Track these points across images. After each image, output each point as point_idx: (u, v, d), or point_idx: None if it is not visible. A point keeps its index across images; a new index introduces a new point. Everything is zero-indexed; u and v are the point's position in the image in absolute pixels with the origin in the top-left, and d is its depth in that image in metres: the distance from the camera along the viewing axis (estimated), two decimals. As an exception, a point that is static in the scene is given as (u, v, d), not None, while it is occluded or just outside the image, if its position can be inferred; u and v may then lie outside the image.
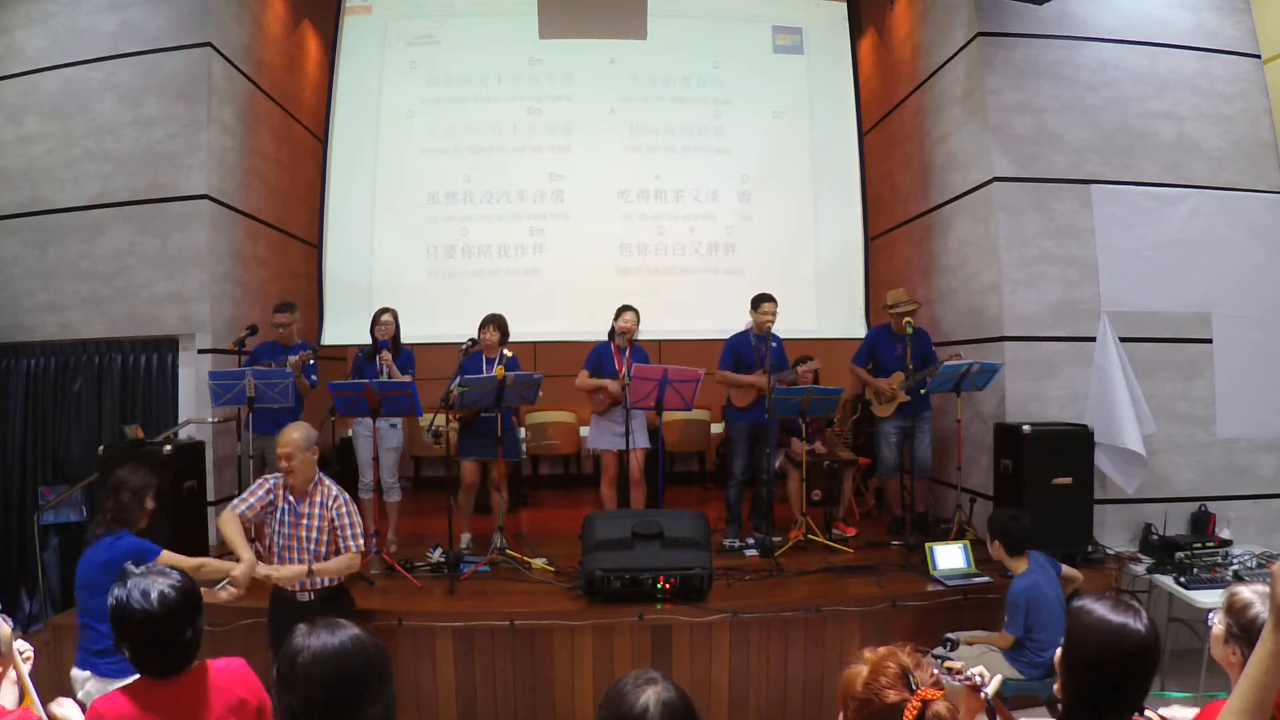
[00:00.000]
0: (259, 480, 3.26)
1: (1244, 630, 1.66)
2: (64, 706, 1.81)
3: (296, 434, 3.18)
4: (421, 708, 3.69)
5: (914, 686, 1.23)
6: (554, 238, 6.16)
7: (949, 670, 1.44)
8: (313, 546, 3.21)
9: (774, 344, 4.99)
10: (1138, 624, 1.55)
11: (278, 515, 3.21)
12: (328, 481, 3.30)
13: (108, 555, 2.92)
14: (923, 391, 4.87)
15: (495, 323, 4.81)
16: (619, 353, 4.86)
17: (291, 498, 3.21)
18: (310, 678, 1.37)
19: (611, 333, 4.94)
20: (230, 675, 1.80)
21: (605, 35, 6.28)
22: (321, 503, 3.23)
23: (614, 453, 4.89)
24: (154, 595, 1.69)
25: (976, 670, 1.57)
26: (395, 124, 6.25)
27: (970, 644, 3.48)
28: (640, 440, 4.82)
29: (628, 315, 4.86)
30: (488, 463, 4.85)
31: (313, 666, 1.38)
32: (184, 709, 1.71)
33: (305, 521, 3.20)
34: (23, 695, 1.74)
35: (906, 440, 5.16)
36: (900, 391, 5.04)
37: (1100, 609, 1.58)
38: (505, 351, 4.82)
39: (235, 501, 3.21)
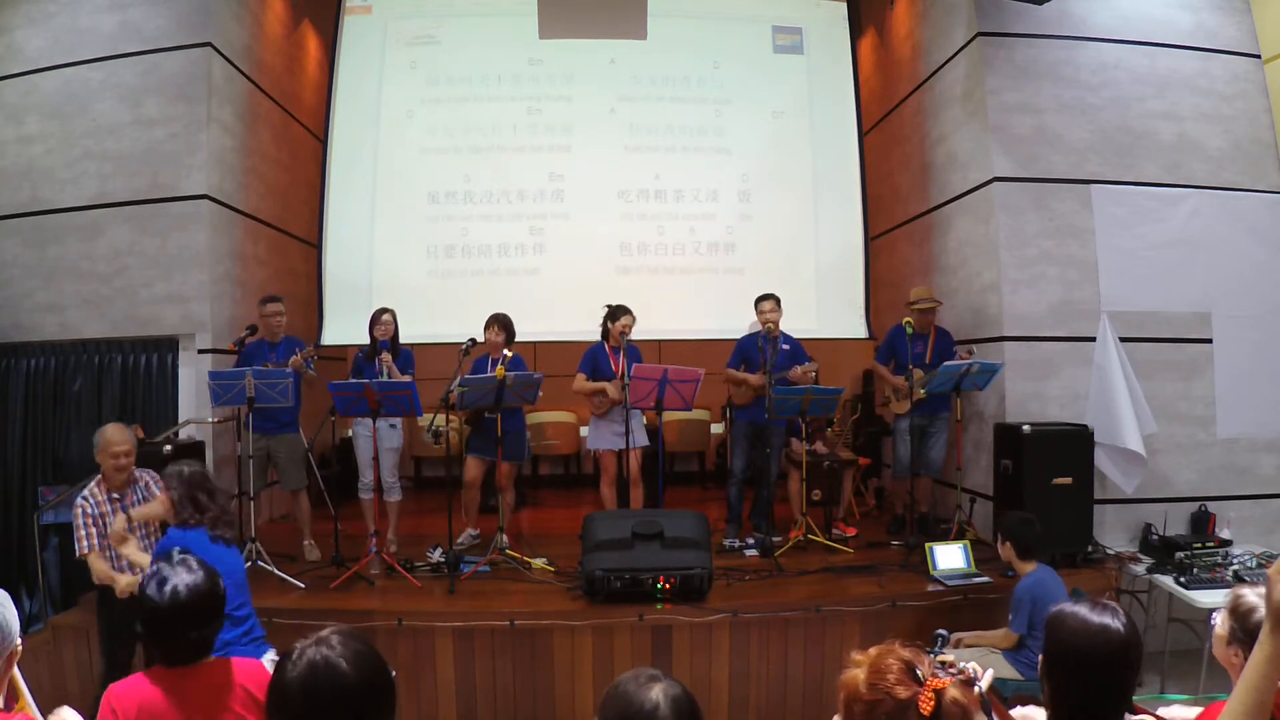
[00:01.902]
0: (76, 512, 3.34)
1: (1248, 634, 1.65)
2: (61, 715, 1.80)
3: (126, 433, 3.42)
4: (421, 708, 3.69)
5: (922, 679, 1.22)
6: (554, 238, 6.16)
7: (941, 664, 1.43)
8: (141, 532, 3.39)
9: (784, 345, 4.98)
10: (1117, 623, 1.55)
11: (106, 520, 3.33)
12: (138, 471, 3.49)
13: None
14: (923, 391, 4.85)
15: (500, 322, 4.81)
16: (614, 353, 4.86)
17: (114, 494, 3.38)
18: (305, 704, 1.32)
19: (605, 333, 4.93)
20: (247, 674, 1.80)
21: (605, 35, 6.28)
22: (141, 489, 3.46)
23: (613, 453, 4.89)
24: (167, 590, 1.74)
25: (969, 664, 1.56)
26: (395, 124, 6.25)
27: (970, 645, 3.48)
28: (638, 439, 4.81)
29: (626, 318, 4.83)
30: (491, 463, 4.86)
31: (308, 691, 1.31)
32: (194, 699, 1.72)
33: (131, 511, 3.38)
34: (17, 696, 1.73)
35: (920, 439, 5.14)
36: (918, 389, 5.02)
37: (1079, 612, 1.57)
38: (506, 352, 4.82)
39: (82, 546, 3.30)
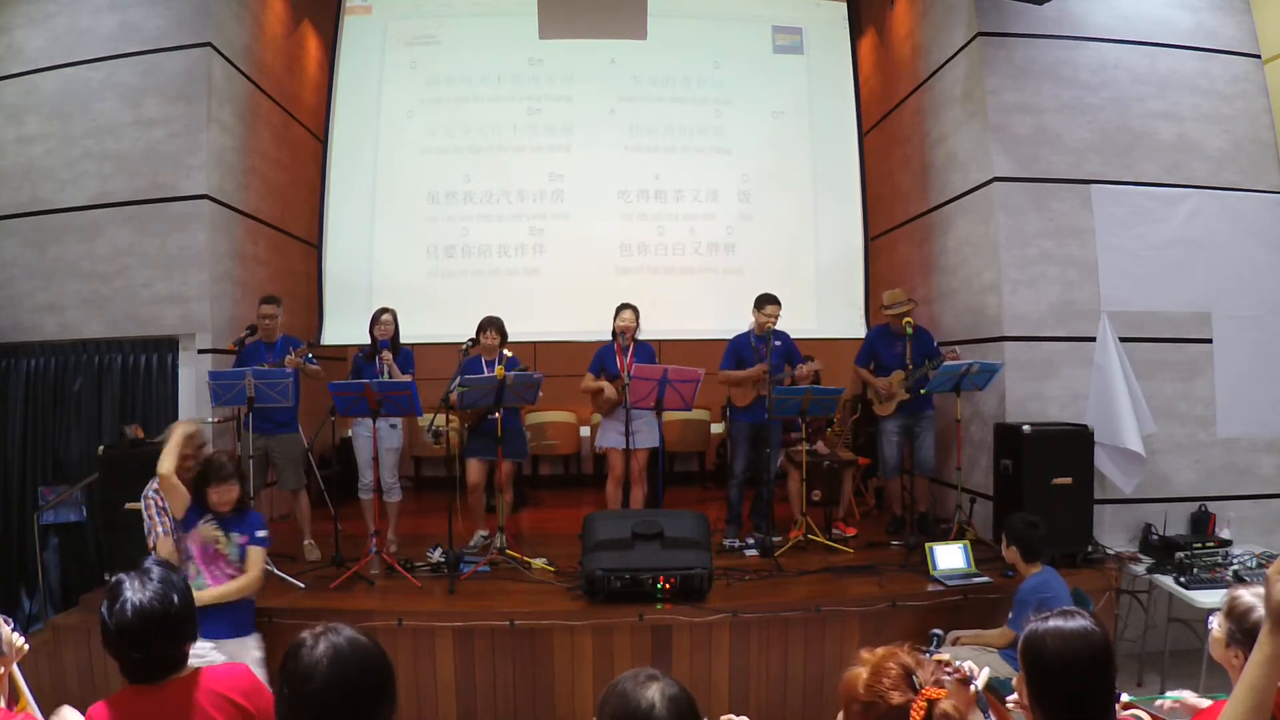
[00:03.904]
0: (147, 503, 3.38)
1: (1246, 634, 1.64)
2: (62, 714, 1.80)
3: (188, 429, 3.37)
4: (421, 708, 3.69)
5: (918, 686, 1.23)
6: (554, 238, 6.16)
7: (937, 663, 1.43)
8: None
9: (777, 343, 4.98)
10: (1089, 622, 1.54)
11: (169, 515, 3.34)
12: None
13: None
14: (922, 391, 4.86)
15: (495, 325, 4.82)
16: (621, 352, 4.87)
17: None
18: (315, 693, 1.34)
19: (615, 333, 4.94)
20: (225, 681, 1.74)
21: (605, 35, 6.27)
22: None
23: (620, 451, 4.88)
24: (116, 608, 1.66)
25: (966, 663, 1.56)
26: (395, 124, 6.25)
27: (968, 643, 3.49)
28: (646, 440, 4.82)
29: (625, 314, 4.87)
30: (492, 463, 4.86)
31: (319, 681, 1.34)
32: (166, 716, 1.67)
33: None
34: (18, 697, 1.74)
35: (908, 439, 5.15)
36: (900, 390, 5.04)
37: (1054, 627, 1.53)
38: (505, 352, 4.82)
39: (158, 534, 3.33)
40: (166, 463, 3.12)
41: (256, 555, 3.21)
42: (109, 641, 1.67)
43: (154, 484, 3.39)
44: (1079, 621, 1.53)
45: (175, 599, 1.69)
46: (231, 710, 1.70)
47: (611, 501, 4.92)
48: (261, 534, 3.24)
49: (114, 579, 1.73)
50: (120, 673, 1.71)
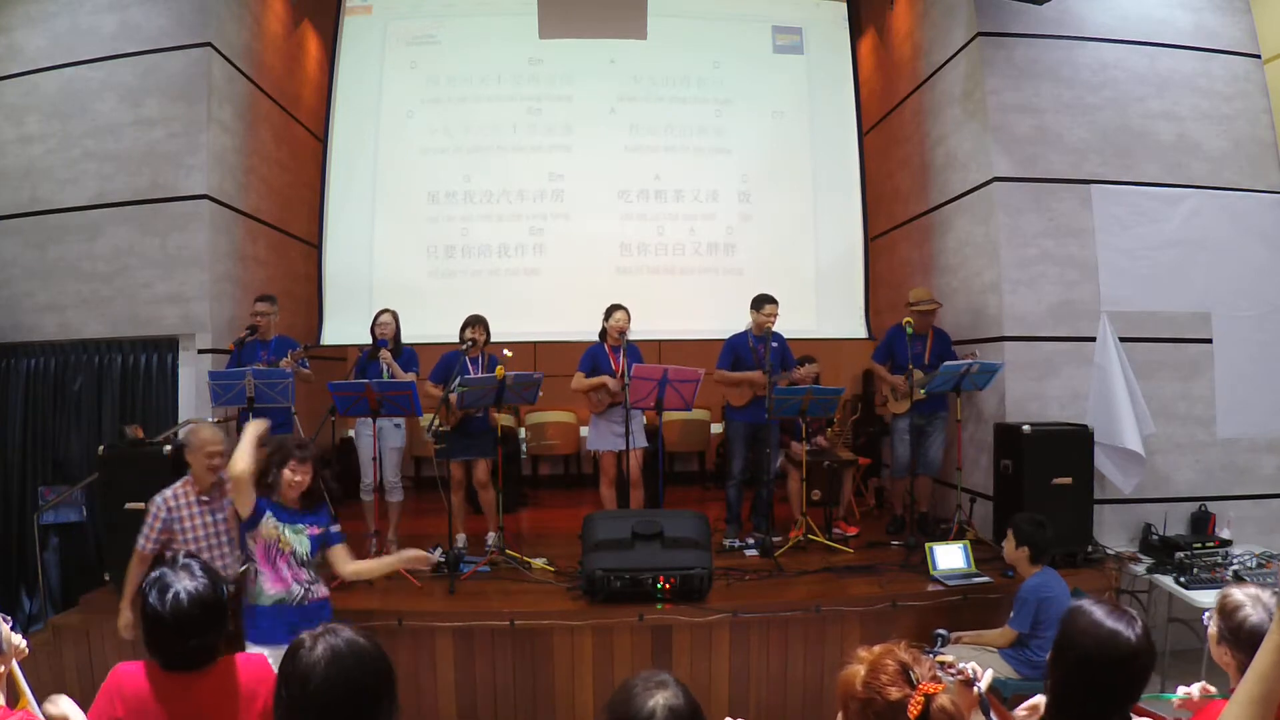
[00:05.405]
0: (151, 507, 3.20)
1: (1232, 633, 1.68)
2: (59, 703, 1.80)
3: (216, 431, 3.28)
4: (422, 708, 3.69)
5: (915, 682, 1.23)
6: (554, 238, 6.17)
7: (941, 664, 1.43)
8: (228, 537, 3.29)
9: (774, 344, 4.98)
10: (1130, 632, 1.53)
11: (188, 523, 3.21)
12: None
13: None
14: (923, 391, 4.86)
15: (481, 323, 4.79)
16: (613, 352, 4.86)
17: (204, 497, 3.24)
18: (314, 695, 1.35)
19: (603, 333, 4.93)
20: (251, 670, 1.78)
21: (605, 35, 6.28)
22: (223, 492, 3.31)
23: (613, 453, 4.88)
24: (169, 597, 1.68)
25: (969, 664, 1.57)
26: (395, 124, 6.25)
27: (969, 643, 3.48)
28: (638, 440, 4.81)
29: (619, 314, 4.84)
30: (470, 463, 4.84)
31: (318, 682, 1.35)
32: (203, 703, 1.70)
33: (220, 515, 3.28)
34: (19, 696, 1.73)
35: (918, 438, 5.14)
36: (917, 389, 5.01)
37: (1096, 613, 1.57)
38: (507, 352, 4.80)
39: (138, 542, 3.18)
40: (243, 462, 2.76)
41: (340, 553, 3.01)
42: (162, 631, 1.68)
43: (171, 487, 3.22)
44: (1118, 624, 1.54)
45: (223, 587, 1.75)
46: (255, 697, 1.73)
47: (607, 503, 4.91)
48: (336, 529, 3.03)
49: (155, 573, 1.74)
50: (161, 665, 1.72)
